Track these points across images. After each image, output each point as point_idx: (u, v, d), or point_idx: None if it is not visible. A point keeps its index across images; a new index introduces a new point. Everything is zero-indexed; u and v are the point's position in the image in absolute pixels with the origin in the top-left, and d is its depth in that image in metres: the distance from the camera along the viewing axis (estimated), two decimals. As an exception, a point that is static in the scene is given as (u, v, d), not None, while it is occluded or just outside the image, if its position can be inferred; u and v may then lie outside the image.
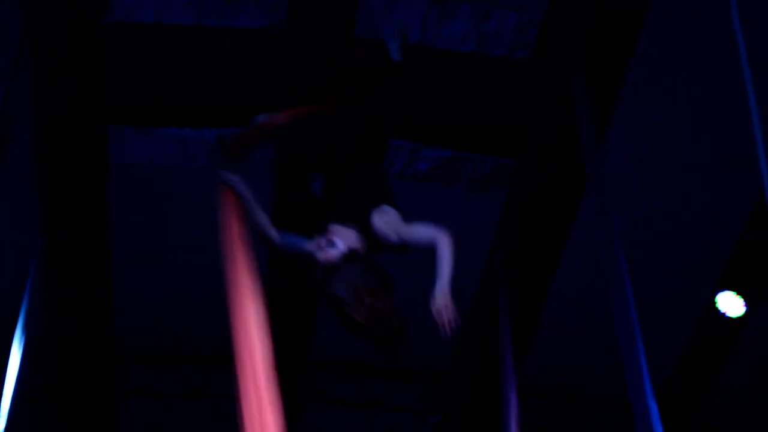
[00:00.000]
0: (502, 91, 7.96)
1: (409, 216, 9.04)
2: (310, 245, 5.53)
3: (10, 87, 6.81)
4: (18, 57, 6.97)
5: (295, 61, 7.61)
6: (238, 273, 5.36)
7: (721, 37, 6.70)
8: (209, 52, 7.72)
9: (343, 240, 5.44)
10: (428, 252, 5.47)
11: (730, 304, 9.50)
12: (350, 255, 5.39)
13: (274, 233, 5.85)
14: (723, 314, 9.52)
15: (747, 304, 9.49)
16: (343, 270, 5.29)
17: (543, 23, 7.73)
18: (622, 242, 6.26)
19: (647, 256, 9.01)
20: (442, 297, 5.30)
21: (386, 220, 5.60)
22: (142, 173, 8.75)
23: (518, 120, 7.95)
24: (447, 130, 8.20)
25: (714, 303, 9.50)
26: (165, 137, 8.49)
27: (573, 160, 7.31)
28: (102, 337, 9.03)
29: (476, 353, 9.12)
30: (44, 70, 7.18)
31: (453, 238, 5.46)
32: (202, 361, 10.66)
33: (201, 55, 7.73)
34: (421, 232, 5.57)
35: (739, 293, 9.46)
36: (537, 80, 7.76)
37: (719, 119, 8.34)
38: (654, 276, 9.17)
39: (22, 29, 7.04)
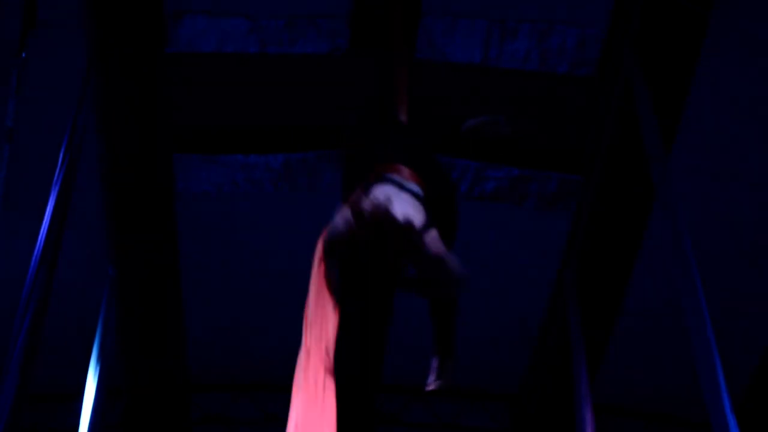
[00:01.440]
0: (566, 107, 7.92)
1: (475, 235, 9.13)
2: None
3: (77, 117, 6.86)
4: (84, 88, 7.03)
5: (356, 84, 7.62)
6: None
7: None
8: (272, 79, 7.76)
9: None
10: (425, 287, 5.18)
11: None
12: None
13: None
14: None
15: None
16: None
17: (605, 39, 7.69)
18: (694, 254, 6.20)
19: (720, 268, 8.88)
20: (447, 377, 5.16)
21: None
22: (210, 201, 8.78)
23: (584, 136, 7.91)
24: (512, 148, 8.20)
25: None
26: (231, 164, 8.52)
27: (640, 174, 7.27)
28: (175, 366, 9.09)
29: (549, 371, 9.07)
30: (109, 100, 7.27)
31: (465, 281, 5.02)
32: (272, 389, 10.67)
33: (264, 82, 7.77)
34: (438, 246, 5.00)
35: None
36: (601, 96, 7.71)
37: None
38: (727, 287, 9.04)
39: (87, 60, 7.11)
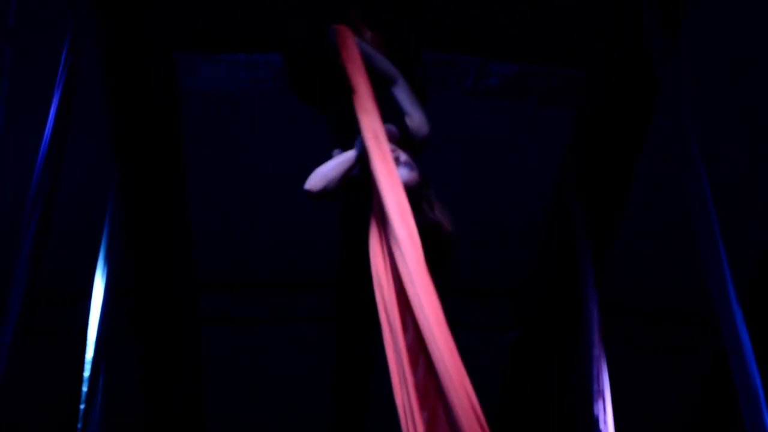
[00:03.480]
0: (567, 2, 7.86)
1: (480, 134, 9.11)
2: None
3: (76, 17, 6.79)
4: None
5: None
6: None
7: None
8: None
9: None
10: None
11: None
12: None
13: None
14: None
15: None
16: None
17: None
18: (699, 147, 6.20)
19: (725, 159, 8.87)
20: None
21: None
22: (212, 100, 8.75)
23: (586, 29, 7.84)
24: (514, 43, 8.14)
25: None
26: (233, 63, 8.47)
27: (644, 66, 7.21)
28: (181, 266, 9.14)
29: (553, 268, 9.10)
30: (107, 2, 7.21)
31: None
32: (278, 286, 10.74)
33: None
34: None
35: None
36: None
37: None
38: (732, 179, 9.04)
39: None
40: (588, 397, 7.43)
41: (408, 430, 4.35)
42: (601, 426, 7.32)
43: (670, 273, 9.97)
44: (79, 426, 7.24)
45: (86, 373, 7.29)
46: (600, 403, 7.38)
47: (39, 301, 6.02)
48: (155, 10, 7.50)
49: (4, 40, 6.98)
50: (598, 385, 7.37)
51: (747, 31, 8.26)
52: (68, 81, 6.56)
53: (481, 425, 4.13)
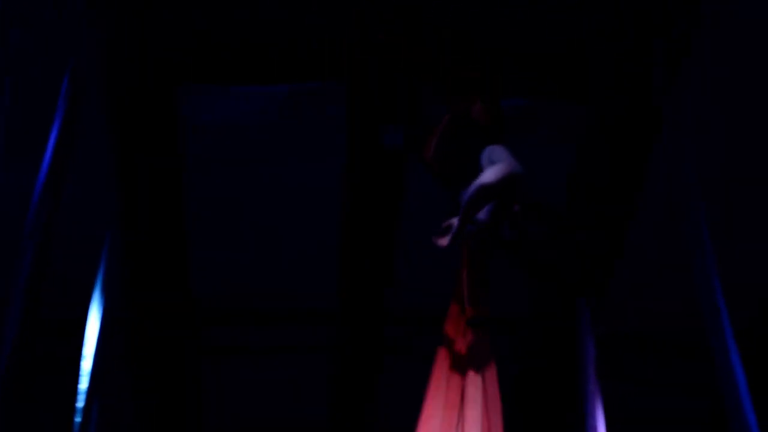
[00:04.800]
0: (573, 35, 7.86)
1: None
2: None
3: (79, 48, 6.83)
4: (85, 26, 6.99)
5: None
6: None
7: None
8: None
9: None
10: None
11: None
12: None
13: None
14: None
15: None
16: None
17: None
18: (700, 184, 6.20)
19: (725, 195, 8.86)
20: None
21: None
22: (216, 131, 8.77)
23: (590, 65, 7.85)
24: (519, 77, 8.14)
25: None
26: (237, 94, 8.49)
27: (647, 103, 7.22)
28: (180, 297, 9.14)
29: (553, 303, 9.09)
30: (111, 31, 7.22)
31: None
32: (280, 320, 10.72)
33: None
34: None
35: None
36: (606, 25, 7.65)
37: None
38: (732, 218, 9.04)
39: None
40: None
41: None
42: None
43: (670, 308, 9.96)
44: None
45: (80, 404, 7.26)
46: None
47: (35, 330, 6.01)
48: (157, 39, 7.51)
49: (3, 72, 7.01)
50: (593, 421, 7.35)
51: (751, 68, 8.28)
52: (69, 110, 6.59)
53: None
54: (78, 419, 7.24)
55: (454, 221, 5.46)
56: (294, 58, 7.63)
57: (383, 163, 7.87)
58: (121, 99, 7.55)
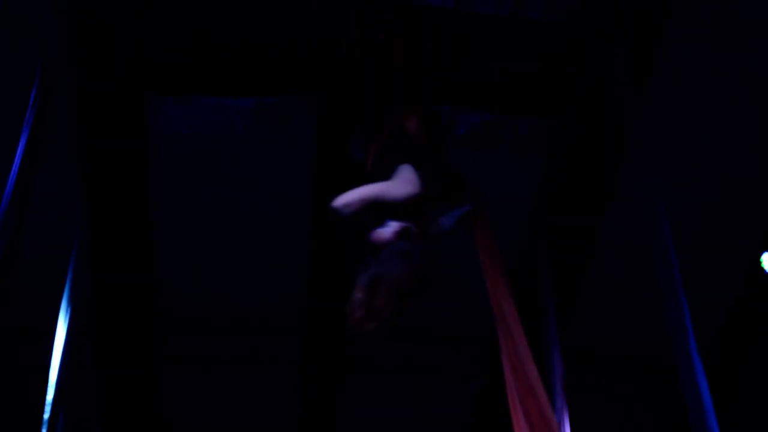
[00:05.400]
0: (539, 52, 7.90)
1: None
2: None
3: (47, 58, 6.79)
4: (51, 31, 6.96)
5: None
6: None
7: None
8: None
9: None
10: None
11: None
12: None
13: None
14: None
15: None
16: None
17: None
18: (665, 201, 6.23)
19: (690, 215, 8.94)
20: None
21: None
22: (183, 142, 8.76)
23: (558, 81, 7.89)
24: (486, 92, 8.17)
25: (759, 262, 9.43)
26: (204, 106, 8.49)
27: (614, 120, 7.26)
28: (145, 306, 9.11)
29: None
30: (79, 41, 7.20)
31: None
32: (244, 330, 10.70)
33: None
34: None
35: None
36: (575, 41, 7.70)
37: (765, 77, 8.26)
38: (697, 235, 9.11)
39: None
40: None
41: None
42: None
43: (635, 323, 10.01)
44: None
45: (46, 415, 7.21)
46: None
47: (1, 337, 5.98)
48: (127, 50, 7.49)
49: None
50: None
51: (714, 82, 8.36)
52: (36, 120, 6.55)
53: None
54: (44, 430, 7.18)
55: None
56: (264, 70, 7.62)
57: (352, 175, 7.87)
58: (90, 104, 7.53)
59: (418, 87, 6.30)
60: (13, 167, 6.30)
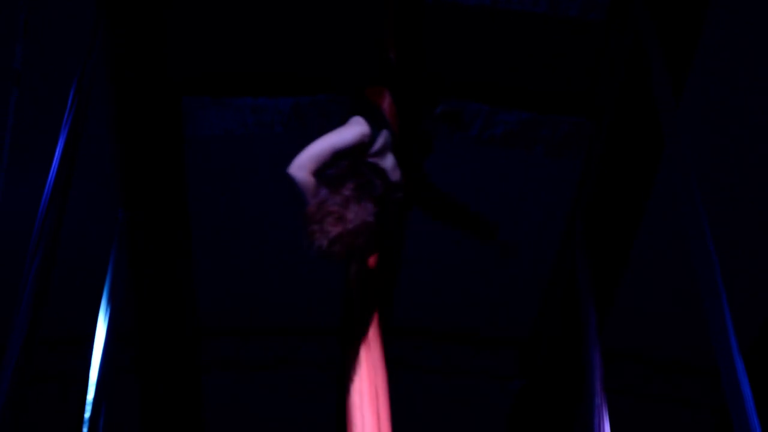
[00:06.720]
0: (576, 52, 7.87)
1: (486, 181, 9.09)
2: None
3: (86, 61, 6.82)
4: (94, 31, 6.99)
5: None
6: None
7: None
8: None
9: None
10: None
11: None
12: None
13: None
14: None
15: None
16: None
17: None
18: (704, 201, 6.19)
19: (730, 214, 8.88)
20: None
21: None
22: (220, 144, 8.78)
23: (594, 81, 7.86)
24: (523, 92, 8.15)
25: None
26: (241, 107, 8.50)
27: (650, 120, 7.22)
28: (185, 310, 9.13)
29: (558, 318, 9.08)
30: (117, 43, 7.23)
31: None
32: (283, 332, 10.71)
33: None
34: None
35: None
36: (611, 40, 7.66)
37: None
38: (737, 234, 9.04)
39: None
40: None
41: None
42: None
43: (676, 324, 9.95)
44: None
45: (87, 414, 7.24)
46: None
47: (41, 344, 5.99)
48: (164, 53, 7.53)
49: (11, 82, 7.01)
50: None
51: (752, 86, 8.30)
52: (74, 124, 6.57)
53: None
54: (85, 430, 7.22)
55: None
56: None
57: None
58: (128, 106, 7.57)
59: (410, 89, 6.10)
60: (51, 173, 6.33)
